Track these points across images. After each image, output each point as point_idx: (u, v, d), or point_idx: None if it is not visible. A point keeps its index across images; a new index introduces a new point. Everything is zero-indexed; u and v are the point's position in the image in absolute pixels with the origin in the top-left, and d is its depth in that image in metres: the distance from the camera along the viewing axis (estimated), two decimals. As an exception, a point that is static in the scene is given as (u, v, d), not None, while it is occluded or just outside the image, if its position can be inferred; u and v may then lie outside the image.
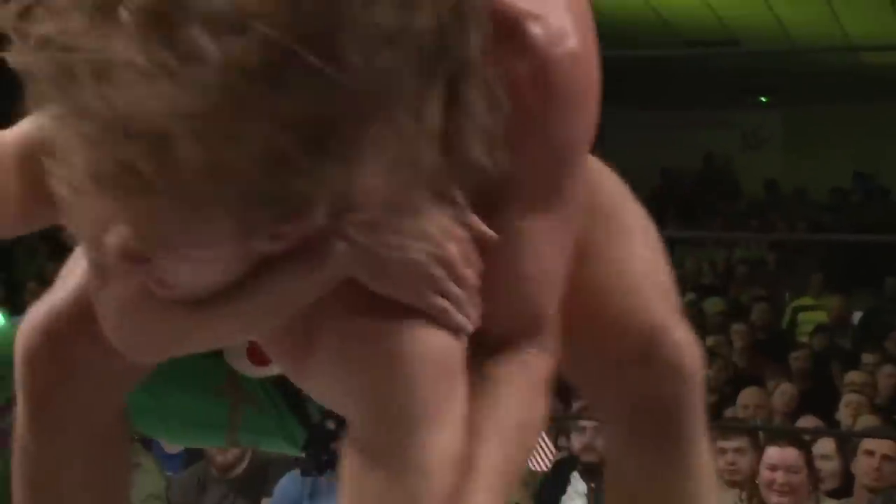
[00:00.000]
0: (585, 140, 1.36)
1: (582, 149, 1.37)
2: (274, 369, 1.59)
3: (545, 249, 1.34)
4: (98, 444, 1.54)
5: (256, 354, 1.55)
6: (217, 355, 1.56)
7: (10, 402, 1.57)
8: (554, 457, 4.55)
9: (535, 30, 1.28)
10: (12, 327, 1.61)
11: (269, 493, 4.53)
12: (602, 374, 1.53)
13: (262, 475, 4.67)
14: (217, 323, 1.26)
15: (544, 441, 1.62)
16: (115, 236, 1.13)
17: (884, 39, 13.14)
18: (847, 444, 5.22)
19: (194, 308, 1.22)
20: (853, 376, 7.35)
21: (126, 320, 1.30)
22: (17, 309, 1.53)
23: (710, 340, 8.44)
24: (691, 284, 11.23)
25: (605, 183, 1.57)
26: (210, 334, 1.31)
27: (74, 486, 1.56)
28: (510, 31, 1.26)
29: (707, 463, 1.50)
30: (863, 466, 4.85)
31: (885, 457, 4.73)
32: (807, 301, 10.66)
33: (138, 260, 1.12)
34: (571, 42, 1.31)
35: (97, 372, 1.47)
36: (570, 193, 1.35)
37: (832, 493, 4.93)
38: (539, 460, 1.56)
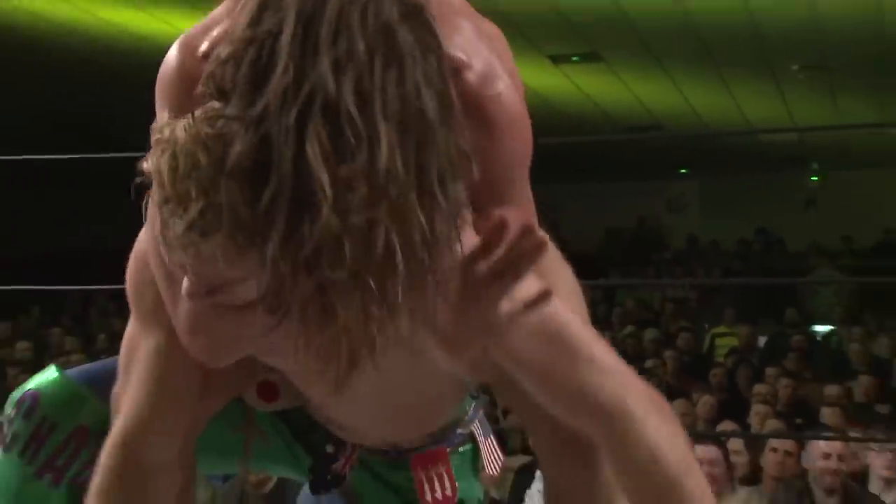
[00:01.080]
0: (523, 156, 1.37)
1: (521, 163, 1.36)
2: (279, 406, 1.53)
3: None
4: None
5: (265, 393, 1.50)
6: (238, 399, 1.51)
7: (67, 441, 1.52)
8: (503, 462, 4.54)
9: (469, 76, 1.30)
10: (64, 378, 1.55)
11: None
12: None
13: (287, 491, 4.63)
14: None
15: (495, 447, 1.60)
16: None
17: (775, 123, 13.23)
18: (756, 443, 5.24)
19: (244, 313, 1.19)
20: (759, 388, 7.38)
21: (197, 332, 1.26)
22: (91, 356, 1.49)
23: (647, 363, 8.52)
24: (631, 320, 11.29)
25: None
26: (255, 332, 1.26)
27: None
28: (453, 72, 1.24)
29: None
30: (769, 461, 4.91)
31: (786, 453, 4.80)
32: (722, 329, 10.70)
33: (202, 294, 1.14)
34: (498, 84, 1.33)
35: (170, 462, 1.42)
36: (518, 196, 1.34)
37: (744, 482, 4.97)
38: (492, 465, 1.54)
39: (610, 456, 1.29)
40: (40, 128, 11.92)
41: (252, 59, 1.04)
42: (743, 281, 13.51)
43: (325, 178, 0.98)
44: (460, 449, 1.67)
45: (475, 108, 1.28)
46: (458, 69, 1.28)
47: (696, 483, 1.26)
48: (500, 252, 1.19)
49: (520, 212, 1.28)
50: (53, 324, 11.47)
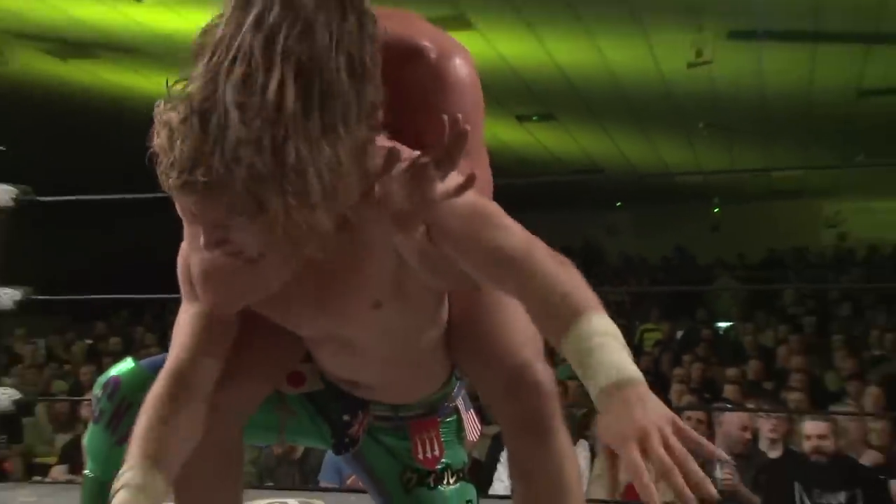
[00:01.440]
0: (475, 112, 1.42)
1: (474, 120, 1.36)
2: (304, 389, 1.55)
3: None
4: (225, 455, 1.47)
5: (294, 380, 1.52)
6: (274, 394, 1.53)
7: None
8: (481, 430, 4.45)
9: (431, 55, 1.40)
10: (138, 367, 1.55)
11: (318, 468, 4.45)
12: (490, 392, 1.46)
13: (311, 457, 4.58)
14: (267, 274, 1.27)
15: (475, 418, 1.60)
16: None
17: (686, 167, 13.29)
18: (675, 414, 5.21)
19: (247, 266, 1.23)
20: (678, 371, 7.35)
21: (208, 281, 1.31)
22: (164, 349, 1.50)
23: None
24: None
25: None
26: (262, 283, 1.30)
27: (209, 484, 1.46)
28: (418, 52, 1.39)
29: (567, 445, 1.42)
30: None
31: (698, 421, 4.71)
32: (649, 326, 10.64)
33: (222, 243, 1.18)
34: (455, 60, 1.42)
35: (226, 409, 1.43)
36: (471, 146, 1.31)
37: None
38: (472, 432, 1.53)
39: (519, 292, 1.25)
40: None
41: (211, 25, 1.16)
42: (665, 288, 13.51)
43: (230, 101, 1.08)
44: (448, 419, 1.67)
45: (437, 76, 1.38)
46: (422, 50, 1.38)
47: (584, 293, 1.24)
48: (438, 148, 1.22)
49: (469, 161, 1.31)
50: (138, 323, 11.46)
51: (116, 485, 1.27)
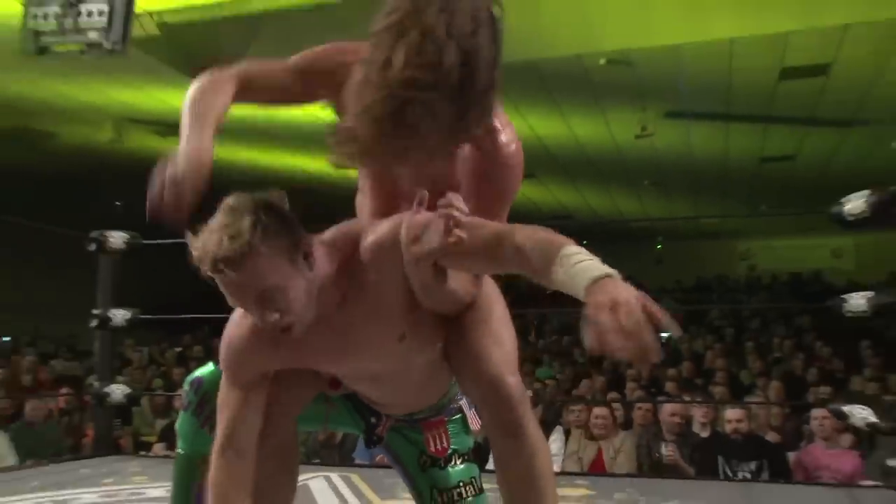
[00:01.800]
0: (513, 191, 1.33)
1: (510, 195, 1.32)
2: (341, 391, 1.50)
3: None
4: (281, 451, 1.44)
5: (333, 384, 1.48)
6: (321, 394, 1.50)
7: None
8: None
9: (501, 136, 1.28)
10: (217, 370, 1.51)
11: (354, 449, 4.39)
12: (473, 400, 1.40)
13: (348, 441, 4.52)
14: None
15: (475, 414, 1.52)
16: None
17: (636, 214, 13.26)
18: (629, 404, 5.16)
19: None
20: (630, 372, 7.17)
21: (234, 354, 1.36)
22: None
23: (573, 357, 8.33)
24: (554, 332, 11.12)
25: (486, 286, 1.42)
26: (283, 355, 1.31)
27: (268, 481, 1.41)
28: (491, 134, 1.26)
29: (536, 440, 1.31)
30: (637, 415, 4.70)
31: (647, 410, 4.65)
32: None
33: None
34: (513, 145, 1.29)
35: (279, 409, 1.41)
36: (503, 213, 1.31)
37: (622, 427, 4.76)
38: (475, 424, 1.48)
39: (517, 258, 1.17)
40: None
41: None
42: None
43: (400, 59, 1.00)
44: (454, 417, 1.62)
45: (498, 154, 1.27)
46: (496, 130, 1.27)
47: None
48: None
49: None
50: (216, 335, 11.28)
51: None
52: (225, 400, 1.36)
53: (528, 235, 1.17)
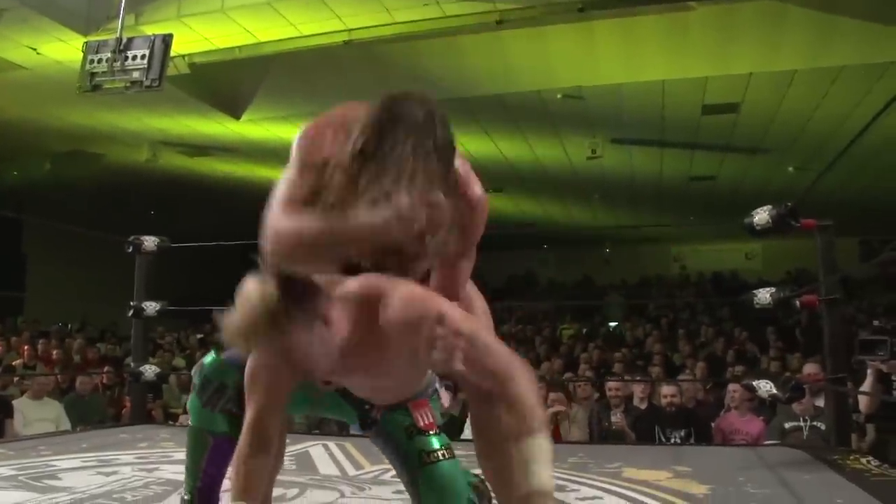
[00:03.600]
0: (481, 231, 1.34)
1: (479, 234, 1.34)
2: (332, 387, 1.45)
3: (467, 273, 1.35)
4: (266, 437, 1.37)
5: (325, 382, 1.40)
6: (311, 383, 1.41)
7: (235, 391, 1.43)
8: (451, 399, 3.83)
9: (474, 191, 1.29)
10: (218, 358, 1.48)
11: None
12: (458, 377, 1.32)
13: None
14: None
15: (445, 393, 1.49)
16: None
17: (588, 223, 13.26)
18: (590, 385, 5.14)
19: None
20: (583, 355, 7.29)
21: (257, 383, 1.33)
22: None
23: (535, 343, 8.34)
24: (524, 323, 11.07)
25: (471, 290, 1.41)
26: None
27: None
28: (463, 189, 1.26)
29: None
30: (585, 392, 4.69)
31: (595, 389, 4.64)
32: (566, 326, 10.49)
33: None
34: (477, 189, 1.30)
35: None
36: (471, 251, 1.34)
37: (576, 403, 4.74)
38: (445, 400, 1.45)
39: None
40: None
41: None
42: (576, 302, 13.49)
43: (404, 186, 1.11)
44: (433, 397, 1.58)
45: (475, 205, 1.29)
46: (463, 181, 1.27)
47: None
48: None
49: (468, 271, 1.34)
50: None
51: None
52: (247, 425, 1.31)
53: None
